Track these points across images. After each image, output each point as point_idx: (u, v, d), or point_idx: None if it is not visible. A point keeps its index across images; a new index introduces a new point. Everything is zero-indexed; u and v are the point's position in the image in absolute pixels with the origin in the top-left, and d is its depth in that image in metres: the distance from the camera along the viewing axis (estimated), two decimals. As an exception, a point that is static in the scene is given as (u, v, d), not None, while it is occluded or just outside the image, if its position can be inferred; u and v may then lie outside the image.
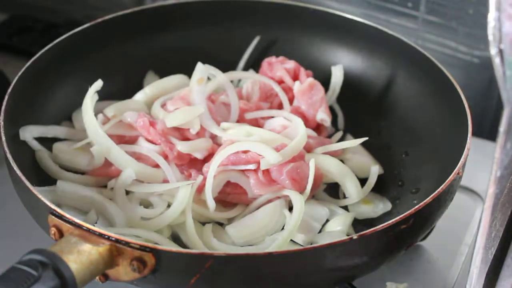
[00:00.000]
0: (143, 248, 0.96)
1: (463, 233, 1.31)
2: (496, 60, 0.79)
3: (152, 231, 1.13)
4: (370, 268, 1.09)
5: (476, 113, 1.24)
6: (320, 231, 1.19)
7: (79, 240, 0.96)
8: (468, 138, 1.15)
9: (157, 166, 1.21)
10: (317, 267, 1.02)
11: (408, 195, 1.23)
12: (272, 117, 1.31)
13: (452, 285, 1.22)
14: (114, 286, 1.06)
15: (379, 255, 1.07)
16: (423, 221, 1.09)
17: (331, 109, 1.38)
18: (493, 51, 0.79)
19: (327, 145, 1.27)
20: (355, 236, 0.99)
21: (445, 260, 1.26)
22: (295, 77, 1.38)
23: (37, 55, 1.29)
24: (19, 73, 1.24)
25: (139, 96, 1.35)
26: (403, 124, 1.34)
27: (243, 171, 1.20)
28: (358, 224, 1.21)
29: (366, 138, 1.26)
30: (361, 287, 1.14)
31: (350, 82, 1.42)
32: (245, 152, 1.19)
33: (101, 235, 0.97)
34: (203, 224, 1.18)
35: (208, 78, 1.33)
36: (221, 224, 1.20)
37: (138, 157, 1.22)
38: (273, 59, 1.40)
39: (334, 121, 1.39)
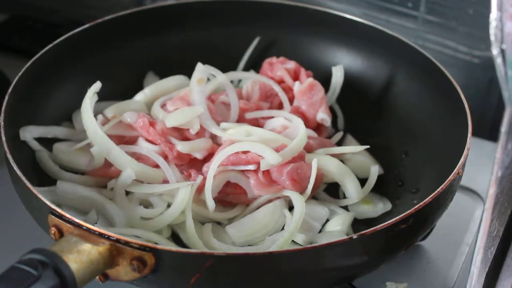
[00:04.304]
0: (143, 248, 0.96)
1: (463, 233, 1.31)
2: (498, 60, 0.79)
3: (152, 231, 1.13)
4: (370, 268, 1.09)
5: (476, 113, 1.25)
6: (320, 231, 1.19)
7: (79, 239, 0.96)
8: (468, 138, 1.15)
9: (157, 166, 1.21)
10: (317, 267, 1.01)
11: (408, 195, 1.24)
12: (272, 117, 1.31)
13: (452, 285, 1.22)
14: (114, 286, 1.06)
15: (379, 255, 1.07)
16: (423, 221, 1.09)
17: (331, 109, 1.38)
18: (494, 51, 0.79)
19: (328, 148, 1.27)
20: (355, 236, 0.99)
21: (445, 260, 1.26)
22: (296, 78, 1.38)
23: (37, 55, 1.29)
24: (19, 73, 1.24)
25: (139, 96, 1.35)
26: (403, 124, 1.34)
27: (243, 171, 1.20)
28: (358, 224, 1.21)
29: (368, 146, 1.27)
30: (361, 287, 1.14)
31: (350, 82, 1.42)
32: (245, 152, 1.19)
33: (101, 235, 0.97)
34: (203, 224, 1.18)
35: (208, 79, 1.33)
36: (221, 224, 1.20)
37: (138, 157, 1.22)
38: (273, 59, 1.40)
39: (334, 122, 1.39)
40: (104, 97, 1.29)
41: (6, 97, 1.19)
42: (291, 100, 1.35)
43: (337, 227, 1.18)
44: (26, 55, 1.37)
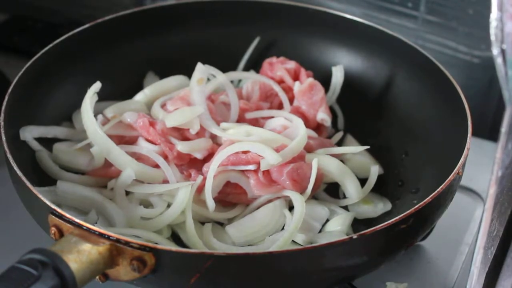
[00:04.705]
0: (143, 248, 0.96)
1: (463, 233, 1.31)
2: (498, 60, 0.79)
3: (152, 231, 1.13)
4: (370, 268, 1.09)
5: (476, 113, 1.25)
6: (320, 231, 1.19)
7: (79, 239, 0.96)
8: (468, 138, 1.15)
9: (157, 166, 1.21)
10: (317, 267, 1.01)
11: (408, 195, 1.24)
12: (272, 117, 1.31)
13: (452, 285, 1.22)
14: (114, 286, 1.06)
15: (379, 255, 1.07)
16: (423, 221, 1.09)
17: (331, 109, 1.38)
18: (495, 51, 0.79)
19: (328, 148, 1.27)
20: (355, 236, 0.99)
21: (445, 260, 1.26)
22: (296, 78, 1.38)
23: (37, 55, 1.29)
24: (19, 73, 1.24)
25: (139, 97, 1.35)
26: (403, 124, 1.34)
27: (243, 171, 1.20)
28: (358, 224, 1.21)
29: (368, 146, 1.27)
30: (361, 287, 1.14)
31: (350, 82, 1.42)
32: (245, 152, 1.19)
33: (101, 235, 0.97)
34: (203, 224, 1.18)
35: (208, 79, 1.33)
36: (221, 224, 1.20)
37: (138, 157, 1.22)
38: (273, 59, 1.40)
39: (334, 122, 1.39)
40: (104, 97, 1.29)
41: (6, 97, 1.19)
42: (291, 100, 1.35)
43: (337, 227, 1.18)
44: (26, 55, 1.37)
